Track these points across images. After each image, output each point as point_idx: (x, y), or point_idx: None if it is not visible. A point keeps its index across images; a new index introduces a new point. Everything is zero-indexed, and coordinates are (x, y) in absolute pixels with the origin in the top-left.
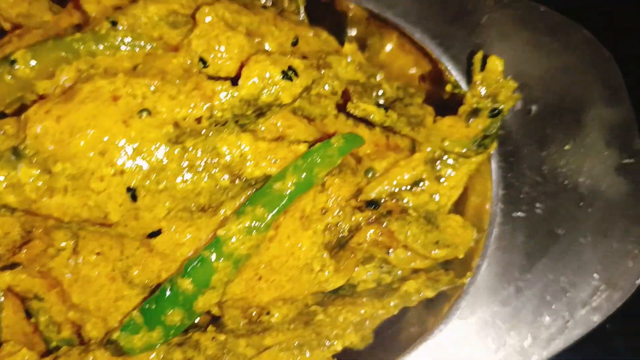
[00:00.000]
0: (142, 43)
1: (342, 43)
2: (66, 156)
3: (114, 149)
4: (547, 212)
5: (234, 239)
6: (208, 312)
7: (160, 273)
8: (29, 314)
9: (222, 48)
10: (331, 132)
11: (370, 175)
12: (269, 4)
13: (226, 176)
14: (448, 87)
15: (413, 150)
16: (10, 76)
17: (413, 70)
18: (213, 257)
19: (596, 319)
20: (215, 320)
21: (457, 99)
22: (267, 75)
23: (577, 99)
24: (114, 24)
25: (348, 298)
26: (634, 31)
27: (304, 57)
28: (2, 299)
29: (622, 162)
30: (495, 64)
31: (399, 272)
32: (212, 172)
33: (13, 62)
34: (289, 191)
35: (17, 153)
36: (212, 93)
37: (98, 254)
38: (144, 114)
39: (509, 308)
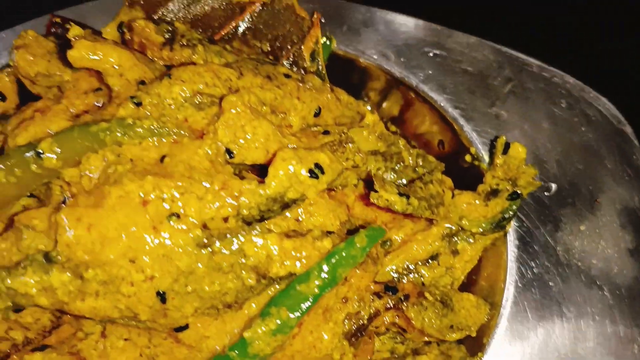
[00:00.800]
0: (167, 129)
1: (358, 96)
2: (97, 263)
3: (144, 256)
4: (559, 293)
5: (259, 341)
6: None
7: None
8: None
9: (249, 136)
10: (349, 201)
11: (387, 246)
12: (289, 65)
13: (252, 276)
14: (468, 158)
15: (430, 220)
16: (36, 165)
17: (431, 138)
18: (238, 357)
19: None
20: None
21: (474, 170)
22: (294, 172)
23: (594, 178)
24: (138, 104)
25: None
26: None
27: (326, 132)
28: None
29: (635, 245)
30: (519, 151)
31: (411, 344)
32: (239, 273)
33: (39, 154)
34: (313, 293)
35: (48, 259)
36: (240, 192)
37: (126, 339)
38: (173, 218)
39: None
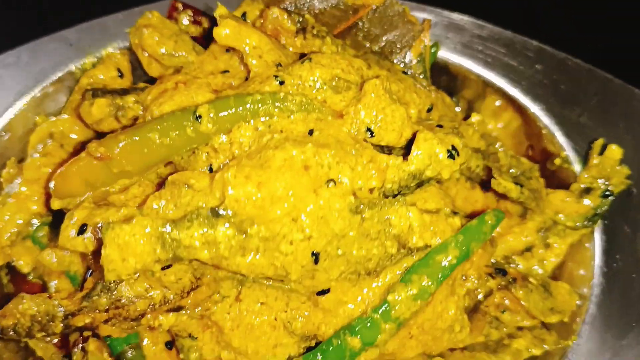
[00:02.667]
0: (314, 106)
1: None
2: (263, 220)
3: (305, 217)
4: None
5: (401, 305)
6: None
7: (320, 326)
8: (168, 345)
9: (388, 119)
10: (452, 193)
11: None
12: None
13: (394, 245)
14: (557, 161)
15: (522, 215)
16: (192, 129)
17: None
18: (382, 319)
19: None
20: None
21: (561, 173)
22: (434, 152)
23: None
24: (282, 83)
25: (466, 352)
26: None
27: (439, 126)
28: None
29: None
30: (615, 152)
31: (505, 329)
32: (383, 241)
33: (198, 116)
34: (450, 263)
35: (216, 214)
36: (385, 166)
37: (262, 303)
38: (331, 184)
39: None
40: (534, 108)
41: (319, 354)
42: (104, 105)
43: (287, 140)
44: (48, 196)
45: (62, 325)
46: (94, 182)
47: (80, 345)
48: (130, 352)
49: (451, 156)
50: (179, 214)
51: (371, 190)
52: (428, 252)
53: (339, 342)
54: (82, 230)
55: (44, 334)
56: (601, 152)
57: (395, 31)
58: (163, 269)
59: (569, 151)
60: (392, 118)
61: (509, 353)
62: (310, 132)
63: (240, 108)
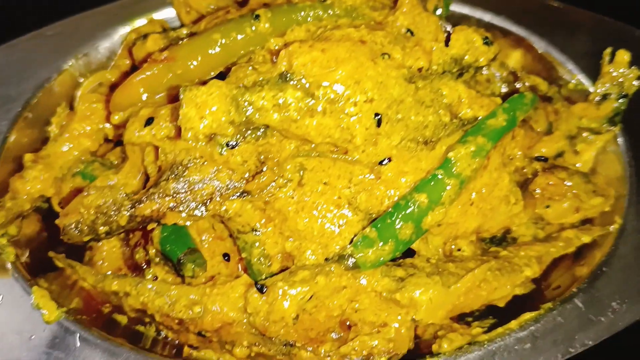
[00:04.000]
0: (359, 13)
1: None
2: (329, 81)
3: (366, 80)
4: None
5: (461, 161)
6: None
7: (383, 200)
8: (226, 257)
9: (424, 23)
10: None
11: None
12: None
13: (447, 113)
14: (571, 85)
15: (547, 133)
16: (252, 28)
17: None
18: (444, 176)
19: None
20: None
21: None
22: (472, 39)
23: None
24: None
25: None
26: None
27: None
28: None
29: None
30: (623, 56)
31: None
32: (437, 109)
33: (257, 16)
34: (501, 125)
35: (284, 77)
36: (430, 49)
37: (325, 183)
38: (386, 56)
39: None
40: (541, 44)
41: (387, 218)
42: (158, 39)
43: (341, 26)
44: (108, 116)
45: (127, 215)
46: (156, 88)
47: (142, 247)
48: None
49: (487, 43)
50: (251, 82)
51: (420, 70)
52: (479, 121)
53: (407, 201)
54: (149, 122)
55: (107, 229)
56: (611, 60)
57: None
58: (230, 147)
59: (580, 75)
60: (428, 22)
61: (560, 240)
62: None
63: (295, 15)
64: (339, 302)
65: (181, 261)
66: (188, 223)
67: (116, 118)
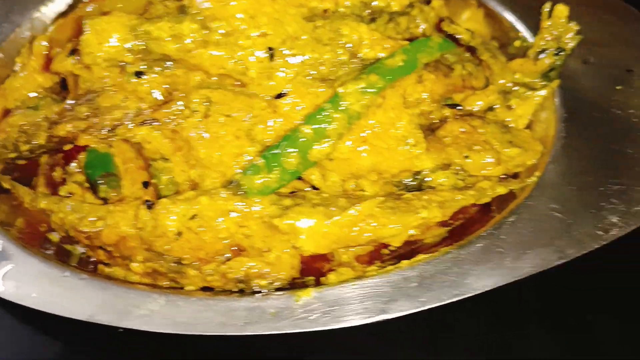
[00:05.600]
0: None
1: None
2: (223, 16)
3: (261, 15)
4: (604, 134)
5: (350, 96)
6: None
7: (279, 132)
8: (145, 185)
9: None
10: None
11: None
12: None
13: (345, 53)
14: (517, 43)
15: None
16: None
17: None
18: (331, 109)
19: None
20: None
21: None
22: None
23: (626, 53)
24: None
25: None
26: None
27: None
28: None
29: None
30: (561, 10)
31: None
32: (334, 48)
33: None
34: (398, 66)
35: (183, 10)
36: None
37: (227, 115)
38: None
39: (572, 202)
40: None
41: (274, 148)
42: None
43: None
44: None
45: (46, 135)
46: None
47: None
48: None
49: None
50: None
51: (325, 11)
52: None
53: (294, 133)
54: (72, 52)
55: (29, 147)
56: (549, 15)
57: None
58: (137, 75)
59: (527, 33)
60: None
61: (473, 190)
62: None
63: None
64: (226, 225)
65: (97, 182)
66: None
67: (54, 52)
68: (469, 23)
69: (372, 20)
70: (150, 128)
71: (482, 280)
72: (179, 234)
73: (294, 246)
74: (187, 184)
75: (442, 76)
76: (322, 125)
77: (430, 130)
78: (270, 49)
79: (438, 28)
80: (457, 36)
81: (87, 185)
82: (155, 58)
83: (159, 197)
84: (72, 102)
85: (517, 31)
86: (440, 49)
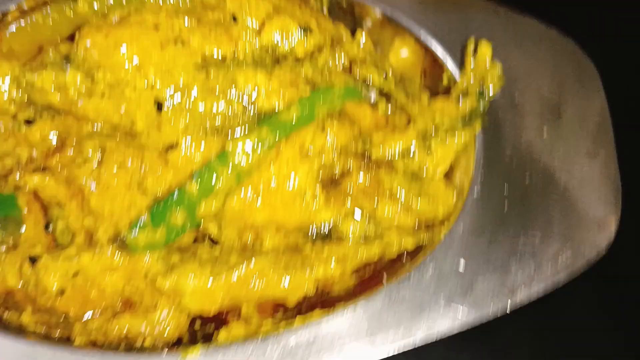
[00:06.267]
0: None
1: None
2: (108, 66)
3: (149, 66)
4: (523, 184)
5: (239, 153)
6: (208, 237)
7: (170, 185)
8: (47, 227)
9: (251, 7)
10: None
11: (367, 142)
12: None
13: (240, 105)
14: (444, 80)
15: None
16: (70, 10)
17: (416, 67)
18: (219, 166)
19: (561, 278)
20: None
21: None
22: (287, 27)
23: (555, 93)
24: None
25: (334, 245)
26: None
27: None
28: (25, 211)
29: (590, 150)
30: (485, 48)
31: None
32: (228, 99)
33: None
34: (292, 121)
35: (67, 59)
36: (238, 36)
37: (121, 165)
38: (179, 43)
39: (479, 258)
40: (418, 27)
41: (161, 204)
42: None
43: (146, 9)
44: None
45: None
46: None
47: None
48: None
49: (304, 33)
50: (37, 64)
51: (223, 59)
52: (277, 112)
53: (180, 190)
54: None
55: None
56: (474, 53)
57: None
58: (28, 123)
59: (454, 69)
60: (257, 9)
61: (378, 245)
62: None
63: None
64: (112, 282)
65: None
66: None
67: None
68: (398, 54)
69: (276, 63)
70: (43, 176)
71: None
72: (62, 292)
73: (179, 306)
74: (83, 232)
75: (348, 124)
76: (208, 182)
77: (332, 182)
78: (157, 102)
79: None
80: (368, 81)
81: None
82: (43, 106)
83: (57, 243)
84: None
85: (445, 66)
86: (342, 99)
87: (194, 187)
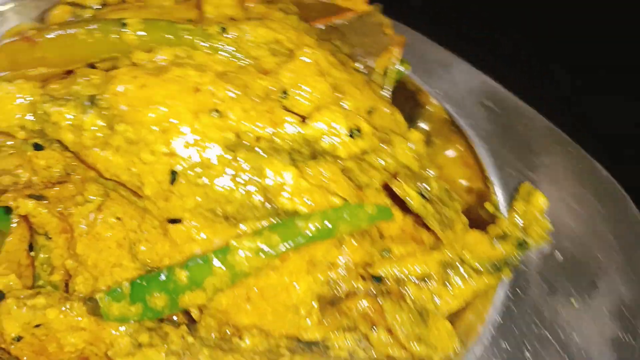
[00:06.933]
0: (240, 56)
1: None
2: (132, 121)
3: (175, 132)
4: (532, 356)
5: (241, 253)
6: (187, 314)
7: (163, 258)
8: (31, 248)
9: (307, 88)
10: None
11: (385, 254)
12: (363, 70)
13: (260, 197)
14: (489, 207)
15: (435, 248)
16: (116, 36)
17: (463, 182)
18: (216, 261)
19: None
20: (191, 324)
21: (493, 221)
22: (335, 124)
23: (598, 261)
24: (223, 29)
25: (318, 356)
26: None
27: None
28: (15, 224)
29: (619, 337)
30: (540, 200)
31: (374, 354)
32: (249, 189)
33: (124, 24)
34: (308, 232)
35: (92, 101)
36: (281, 121)
37: (118, 218)
38: (215, 114)
39: None
40: (480, 144)
41: (145, 280)
42: (65, 11)
43: (192, 65)
44: None
45: None
46: (17, 61)
47: None
48: None
49: (351, 135)
50: (62, 94)
51: (258, 139)
52: (291, 218)
53: (168, 272)
54: None
55: None
56: (526, 199)
57: (368, 38)
58: (36, 147)
59: (501, 197)
60: (313, 89)
61: None
62: (225, 73)
63: (170, 35)
64: (74, 341)
65: None
66: None
67: None
68: (450, 162)
69: (314, 158)
70: (38, 203)
71: None
72: (19, 338)
73: None
74: (62, 272)
75: (368, 243)
76: (200, 275)
77: (332, 302)
78: (173, 171)
79: (387, 185)
80: (406, 200)
81: None
82: (53, 139)
83: (33, 271)
84: None
85: (493, 193)
86: (370, 220)
87: (183, 275)
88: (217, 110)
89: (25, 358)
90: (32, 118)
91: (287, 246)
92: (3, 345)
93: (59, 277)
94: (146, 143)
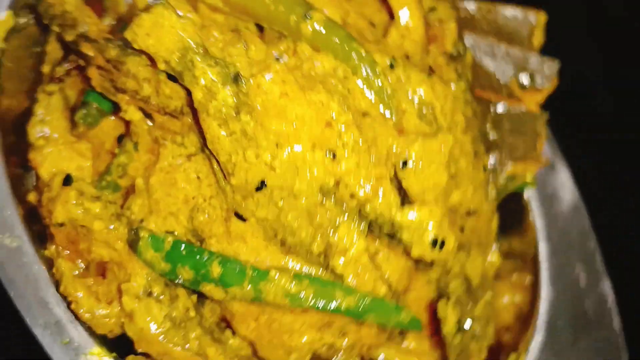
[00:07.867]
0: (390, 104)
1: None
2: (257, 119)
3: (286, 151)
4: None
5: (273, 284)
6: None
7: (212, 238)
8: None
9: (426, 171)
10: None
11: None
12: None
13: (320, 248)
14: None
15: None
16: (295, 19)
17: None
18: (250, 275)
19: None
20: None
21: None
22: (427, 228)
23: None
24: (392, 66)
25: None
26: None
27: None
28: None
29: None
30: None
31: None
32: (314, 234)
33: (308, 16)
34: (339, 305)
35: (237, 78)
36: (382, 195)
37: (199, 178)
38: (330, 155)
39: None
40: None
41: (186, 250)
42: None
43: (339, 94)
44: None
45: (76, 36)
46: None
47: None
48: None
49: (435, 245)
50: (216, 54)
51: (352, 196)
52: (334, 283)
53: (207, 259)
54: None
55: (59, 30)
56: None
57: (518, 139)
58: (169, 77)
59: None
60: (430, 177)
61: None
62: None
63: (341, 47)
64: (103, 254)
65: (82, 105)
66: None
67: None
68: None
69: (390, 237)
70: (144, 118)
71: None
72: (62, 224)
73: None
74: (130, 183)
75: (383, 336)
76: (230, 280)
77: None
78: (263, 181)
79: None
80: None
81: None
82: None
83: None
84: (107, 38)
85: None
86: (398, 326)
87: (216, 270)
88: (334, 154)
89: (57, 238)
90: (177, 60)
91: (314, 306)
92: (47, 221)
93: (126, 184)
94: (257, 145)
